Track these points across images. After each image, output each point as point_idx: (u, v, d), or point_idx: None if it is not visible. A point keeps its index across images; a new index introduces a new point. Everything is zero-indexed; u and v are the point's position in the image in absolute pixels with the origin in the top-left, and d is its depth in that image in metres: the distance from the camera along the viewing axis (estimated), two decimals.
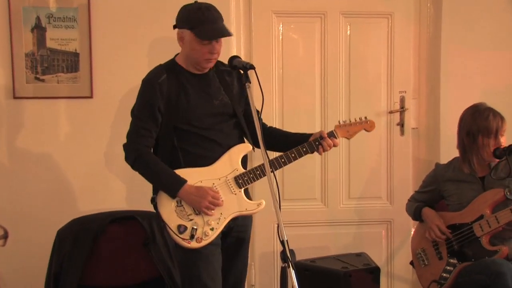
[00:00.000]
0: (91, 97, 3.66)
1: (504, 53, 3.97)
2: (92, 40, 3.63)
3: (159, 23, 3.60)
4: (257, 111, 2.71)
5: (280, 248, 2.36)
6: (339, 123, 2.93)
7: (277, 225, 2.40)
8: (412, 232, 3.58)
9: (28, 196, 3.67)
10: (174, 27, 2.78)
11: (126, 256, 3.25)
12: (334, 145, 2.86)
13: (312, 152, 2.84)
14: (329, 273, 3.34)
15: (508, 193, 3.08)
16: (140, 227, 3.23)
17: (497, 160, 3.17)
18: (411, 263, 3.46)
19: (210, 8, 2.70)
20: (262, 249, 4.02)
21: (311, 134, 2.89)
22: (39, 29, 3.60)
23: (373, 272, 3.39)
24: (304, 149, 2.82)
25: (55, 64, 3.63)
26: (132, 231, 3.21)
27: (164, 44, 3.31)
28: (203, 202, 2.70)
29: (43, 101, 3.65)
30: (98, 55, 3.65)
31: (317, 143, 2.83)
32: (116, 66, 3.66)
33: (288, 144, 2.87)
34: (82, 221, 3.27)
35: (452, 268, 3.18)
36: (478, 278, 2.96)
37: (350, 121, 2.94)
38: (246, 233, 2.96)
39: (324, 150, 2.84)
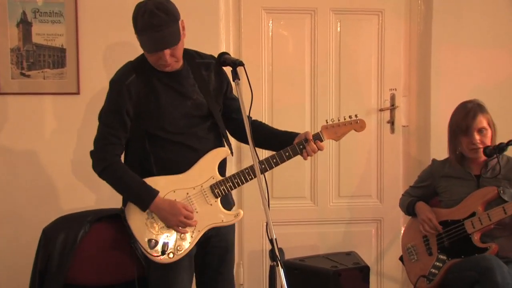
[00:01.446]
0: (77, 93, 3.62)
1: (495, 50, 3.97)
2: (79, 35, 3.59)
3: None
4: (249, 117, 2.55)
5: (269, 246, 2.33)
6: (327, 123, 2.77)
7: (266, 224, 2.34)
8: (403, 230, 3.56)
9: (13, 193, 3.63)
10: None
11: (113, 254, 3.20)
12: (319, 149, 2.70)
13: (296, 155, 2.70)
14: (318, 272, 3.34)
15: (501, 192, 3.08)
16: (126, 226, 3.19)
17: (486, 158, 3.17)
18: (401, 258, 3.45)
19: (154, 12, 2.43)
20: (251, 248, 4.00)
21: (297, 134, 2.74)
22: (25, 24, 3.55)
23: (363, 271, 3.38)
24: (287, 154, 2.67)
25: (41, 60, 3.58)
26: (119, 230, 3.16)
27: None
28: (174, 220, 2.59)
29: (29, 97, 3.61)
30: (85, 50, 3.61)
31: (301, 146, 2.67)
32: (103, 62, 3.62)
33: (273, 143, 2.77)
34: (68, 219, 3.23)
35: (441, 264, 3.17)
36: (468, 275, 2.96)
37: (339, 120, 2.78)
38: (228, 240, 2.86)
39: (308, 155, 2.68)
